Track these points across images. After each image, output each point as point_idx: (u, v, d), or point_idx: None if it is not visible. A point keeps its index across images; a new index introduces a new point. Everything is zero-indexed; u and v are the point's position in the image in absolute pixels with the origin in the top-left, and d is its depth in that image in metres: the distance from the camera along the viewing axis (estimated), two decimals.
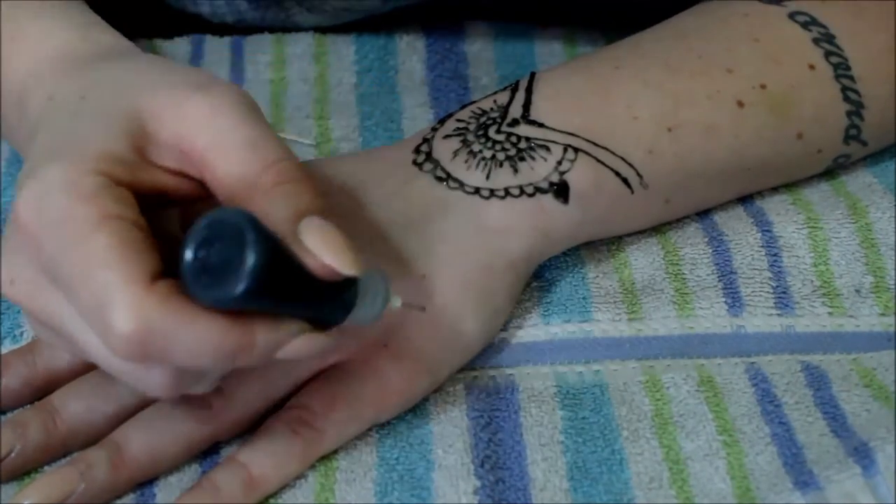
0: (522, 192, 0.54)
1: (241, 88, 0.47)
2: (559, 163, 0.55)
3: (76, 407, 0.50)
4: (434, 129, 0.57)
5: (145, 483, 0.49)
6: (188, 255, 0.42)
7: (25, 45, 0.53)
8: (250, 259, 0.41)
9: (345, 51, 0.69)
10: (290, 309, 0.43)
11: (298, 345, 0.44)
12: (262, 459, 0.48)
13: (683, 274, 0.57)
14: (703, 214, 0.59)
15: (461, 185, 0.54)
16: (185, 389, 0.45)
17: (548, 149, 0.55)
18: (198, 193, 0.47)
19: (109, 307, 0.41)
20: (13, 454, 0.49)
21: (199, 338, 0.42)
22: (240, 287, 0.41)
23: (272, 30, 0.70)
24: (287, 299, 0.43)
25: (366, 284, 0.46)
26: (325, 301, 0.44)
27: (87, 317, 0.43)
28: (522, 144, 0.55)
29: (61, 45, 0.52)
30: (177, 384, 0.44)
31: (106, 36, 0.53)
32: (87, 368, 0.51)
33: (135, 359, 0.42)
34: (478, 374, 0.53)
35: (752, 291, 0.56)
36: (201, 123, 0.45)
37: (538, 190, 0.54)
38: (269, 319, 0.43)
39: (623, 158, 0.55)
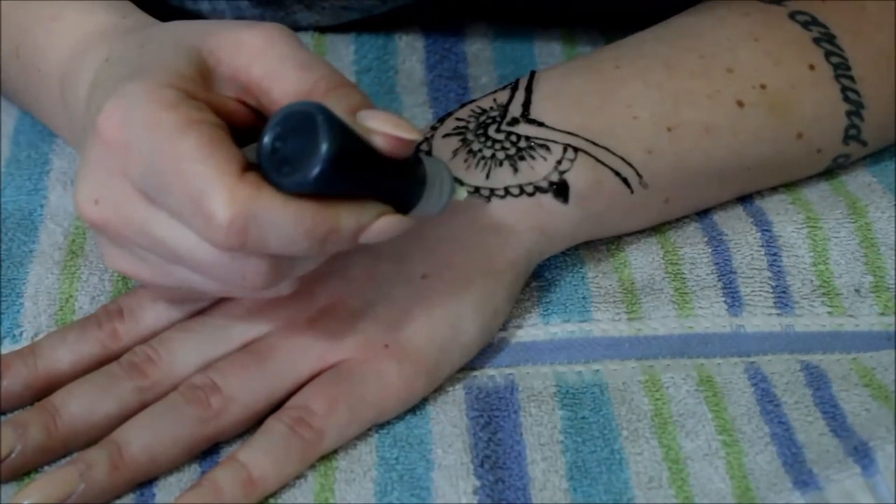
0: (522, 191, 0.54)
1: (280, 25, 0.49)
2: (559, 162, 0.55)
3: (77, 407, 0.50)
4: (433, 129, 0.57)
5: (145, 483, 0.49)
6: (266, 145, 0.45)
7: (67, 24, 0.54)
8: (324, 141, 0.43)
9: (344, 51, 0.69)
10: (366, 190, 0.46)
11: (380, 226, 0.46)
12: (262, 459, 0.48)
13: (683, 273, 0.57)
14: (703, 214, 0.59)
15: (461, 184, 0.54)
16: (278, 282, 0.47)
17: (548, 148, 0.55)
18: (255, 121, 0.48)
19: (208, 198, 0.43)
20: (14, 454, 0.49)
21: (293, 221, 0.44)
22: (317, 168, 0.43)
23: None
24: (362, 180, 0.45)
25: (432, 173, 0.48)
26: (397, 181, 0.47)
27: (184, 213, 0.44)
28: (522, 143, 0.55)
29: (104, 22, 0.54)
30: (272, 275, 0.46)
31: (140, 15, 0.55)
32: (88, 369, 0.52)
33: (234, 246, 0.44)
34: (477, 373, 0.53)
35: (752, 291, 0.56)
36: (255, 55, 0.47)
37: (538, 189, 0.54)
38: (351, 203, 0.45)
39: (623, 158, 0.55)
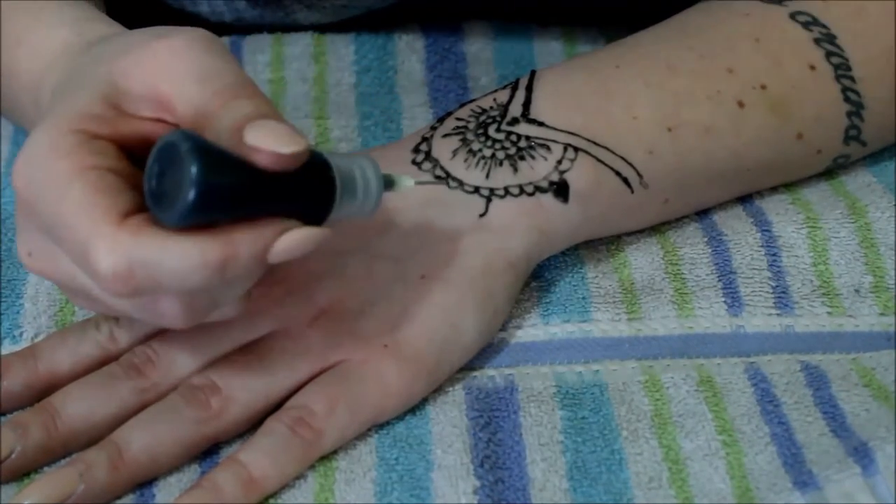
0: (522, 191, 0.54)
1: (204, 31, 0.48)
2: (559, 162, 0.55)
3: (77, 408, 0.50)
4: (433, 128, 0.57)
5: (145, 483, 0.49)
6: (146, 186, 0.44)
7: (30, 49, 0.53)
8: (189, 173, 0.42)
9: (344, 51, 0.68)
10: (259, 210, 0.44)
11: (287, 242, 0.44)
12: (262, 459, 0.48)
13: (683, 274, 0.57)
14: (703, 214, 0.59)
15: (461, 184, 0.54)
16: (204, 316, 0.46)
17: (548, 148, 0.55)
18: None
19: (87, 250, 0.43)
20: (14, 455, 0.49)
21: (178, 258, 0.43)
22: (186, 201, 0.42)
23: (271, 29, 0.70)
24: (248, 201, 0.44)
25: (350, 173, 0.46)
26: (295, 193, 0.45)
27: (79, 266, 0.44)
28: (522, 143, 0.55)
29: (60, 43, 0.53)
30: (189, 311, 0.45)
31: (98, 26, 0.54)
32: (88, 370, 0.52)
33: (126, 294, 0.43)
34: (477, 374, 0.53)
35: (752, 291, 0.56)
36: (162, 70, 0.46)
37: (538, 189, 0.54)
38: (247, 225, 0.44)
39: (623, 158, 0.55)
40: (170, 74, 0.46)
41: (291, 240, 0.44)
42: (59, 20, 0.53)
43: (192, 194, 0.42)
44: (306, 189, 0.45)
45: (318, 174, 0.46)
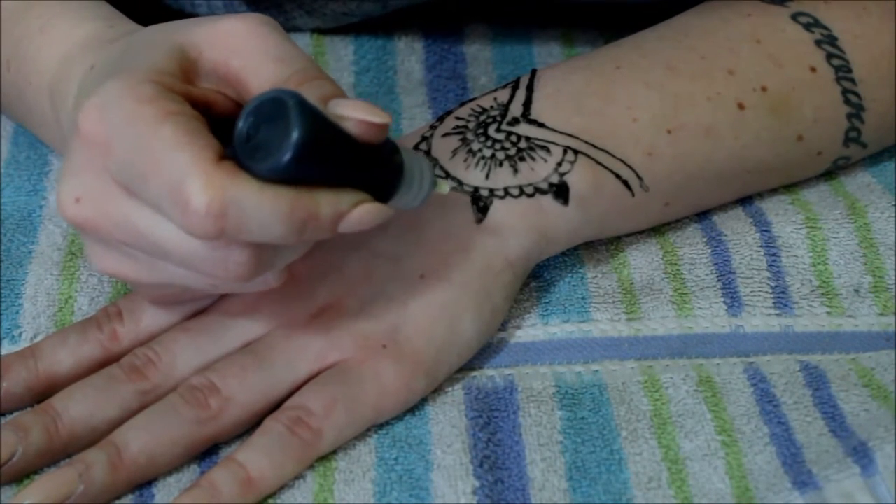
0: (522, 192, 0.54)
1: (268, 17, 0.49)
2: (559, 164, 0.55)
3: (78, 411, 0.50)
4: (433, 127, 0.57)
5: (144, 484, 0.49)
6: (241, 133, 0.45)
7: (55, 36, 0.54)
8: (295, 126, 0.44)
9: (343, 51, 0.69)
10: (342, 177, 0.46)
11: (359, 213, 0.46)
12: (261, 460, 0.48)
13: (682, 274, 0.57)
14: (702, 214, 0.59)
15: (460, 183, 0.54)
16: (261, 272, 0.47)
17: (548, 150, 0.55)
18: (236, 112, 0.48)
19: (185, 184, 0.43)
20: (15, 458, 0.49)
21: (269, 206, 0.44)
22: (289, 153, 0.44)
23: None
24: (336, 166, 0.45)
25: (410, 165, 0.48)
26: (373, 168, 0.47)
27: (163, 203, 0.44)
28: (522, 144, 0.55)
29: (91, 32, 0.54)
30: (254, 264, 0.46)
31: (126, 23, 0.55)
32: (89, 371, 0.52)
33: (212, 233, 0.44)
34: (476, 374, 0.53)
35: (751, 291, 0.56)
36: (234, 47, 0.48)
37: (538, 190, 0.54)
38: (328, 190, 0.45)
39: (623, 160, 0.55)
40: (245, 52, 0.48)
41: (365, 211, 0.46)
42: (87, 14, 0.55)
43: (296, 148, 0.44)
44: (379, 167, 0.47)
45: (389, 157, 0.48)
